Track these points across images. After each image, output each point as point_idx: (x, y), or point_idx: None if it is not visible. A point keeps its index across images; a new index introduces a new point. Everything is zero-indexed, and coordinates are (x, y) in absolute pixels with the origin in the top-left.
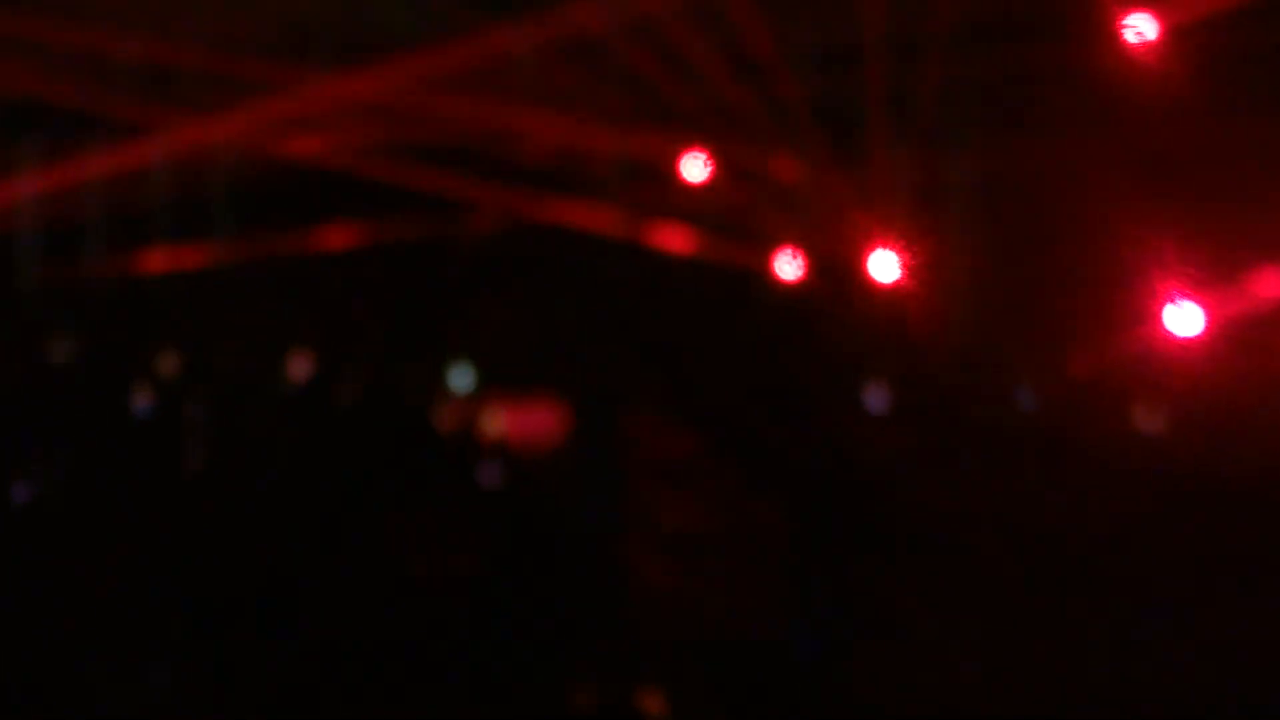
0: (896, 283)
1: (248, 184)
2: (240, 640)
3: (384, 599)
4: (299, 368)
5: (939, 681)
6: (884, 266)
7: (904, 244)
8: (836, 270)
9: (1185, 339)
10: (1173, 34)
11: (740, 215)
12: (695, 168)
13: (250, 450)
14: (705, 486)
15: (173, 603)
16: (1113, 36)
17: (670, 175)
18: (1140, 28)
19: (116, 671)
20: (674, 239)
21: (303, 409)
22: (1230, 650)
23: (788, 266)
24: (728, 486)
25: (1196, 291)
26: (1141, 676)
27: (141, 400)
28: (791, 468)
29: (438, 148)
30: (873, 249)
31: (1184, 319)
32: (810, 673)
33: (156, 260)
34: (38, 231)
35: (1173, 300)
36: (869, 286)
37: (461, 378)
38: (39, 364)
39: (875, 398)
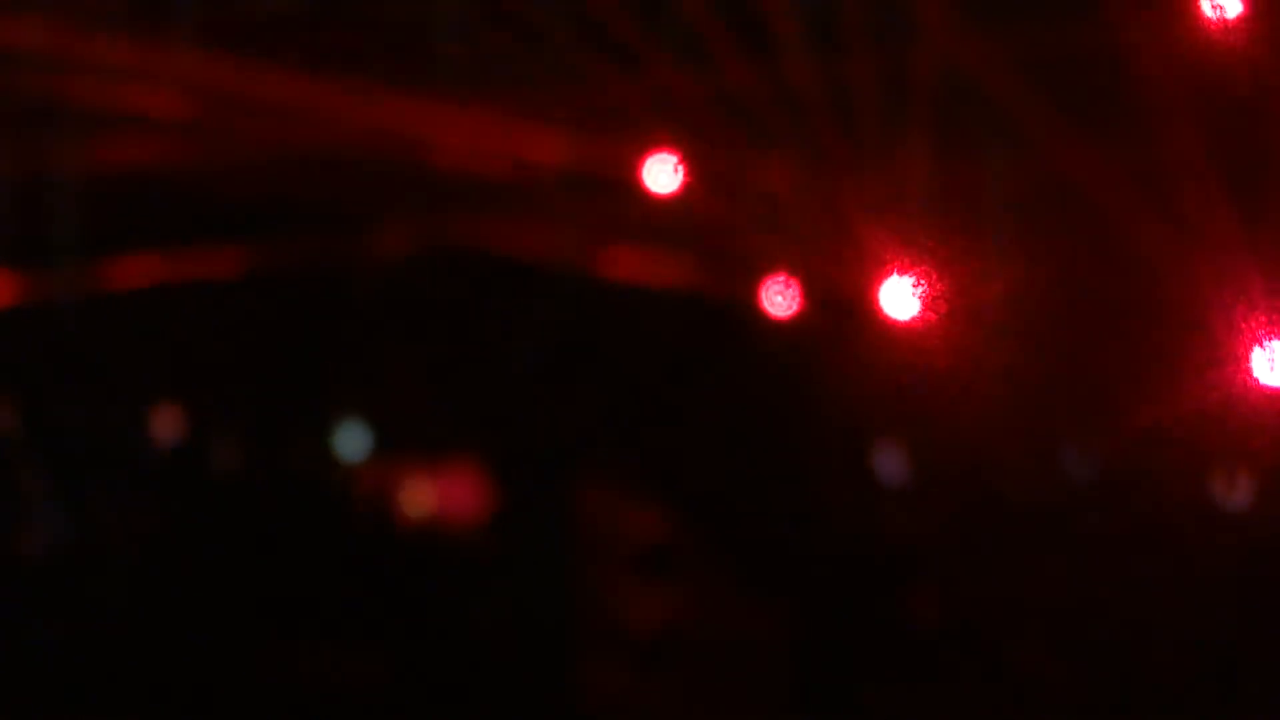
0: (914, 319)
1: (95, 198)
2: None
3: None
4: (164, 425)
5: None
6: (899, 298)
7: (924, 270)
8: (839, 303)
9: (1275, 390)
10: (1264, 9)
11: (720, 234)
12: (663, 175)
13: (101, 529)
14: (679, 577)
15: None
16: (1188, 11)
17: (631, 185)
18: (1218, 7)
19: None
20: (636, 265)
21: (168, 478)
22: None
23: (779, 299)
24: (707, 578)
25: None
26: None
27: None
28: (786, 555)
29: (333, 153)
30: (885, 277)
31: (1273, 364)
32: None
33: None
34: None
35: (1260, 342)
36: (880, 323)
37: (355, 439)
38: None
39: (889, 466)
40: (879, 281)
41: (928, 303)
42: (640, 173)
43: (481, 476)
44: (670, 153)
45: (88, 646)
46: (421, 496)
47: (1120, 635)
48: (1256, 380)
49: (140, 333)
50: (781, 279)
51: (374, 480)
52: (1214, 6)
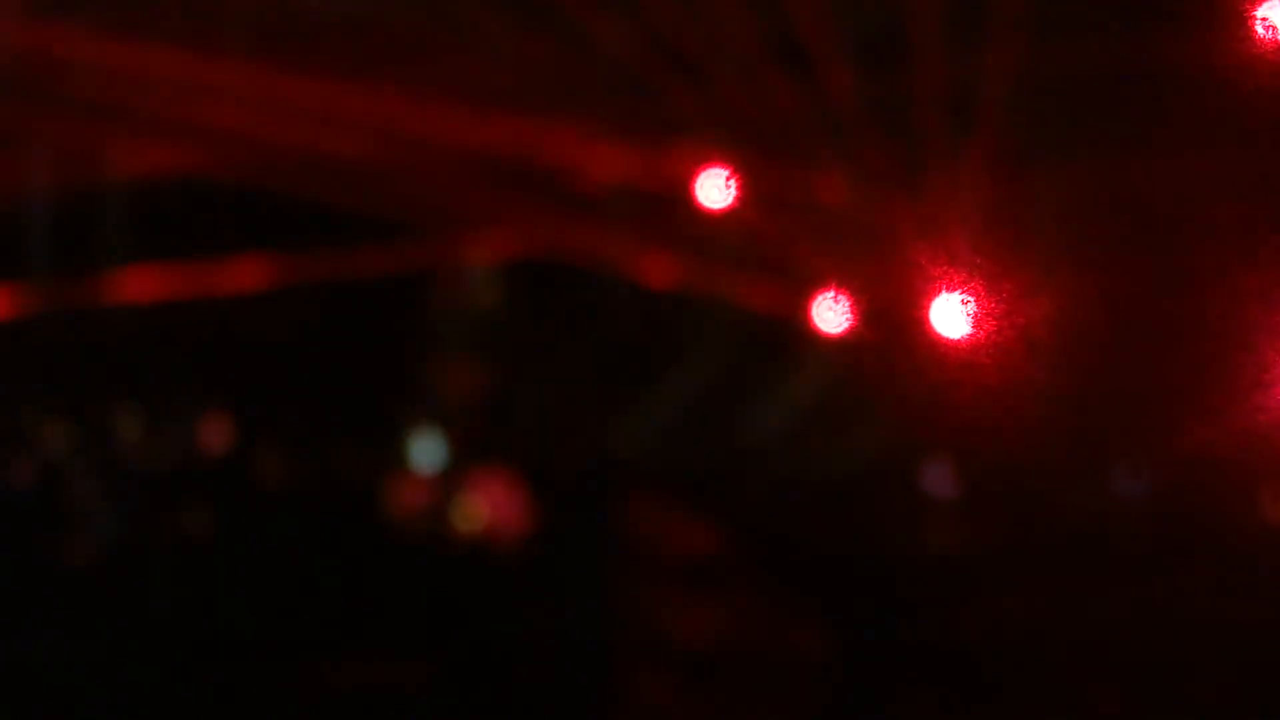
0: (964, 336)
1: (152, 204)
2: None
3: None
4: (214, 434)
5: None
6: (949, 315)
7: (974, 287)
8: (889, 319)
9: None
10: None
11: (771, 249)
12: (715, 190)
13: (149, 536)
14: (725, 591)
15: None
16: (1240, 27)
17: (684, 199)
18: (1276, 17)
19: None
20: (687, 279)
21: (217, 486)
22: None
23: (830, 314)
24: (753, 592)
25: None
26: None
27: (14, 475)
28: (834, 571)
29: (395, 162)
30: (935, 293)
31: None
32: None
33: (23, 297)
34: None
35: None
36: (930, 340)
37: (426, 451)
38: None
39: (938, 483)
40: (929, 298)
41: (977, 319)
42: (693, 187)
43: (531, 489)
44: (723, 167)
45: (134, 652)
46: (472, 508)
47: (1170, 655)
48: None
49: (196, 341)
50: (832, 294)
51: (426, 491)
52: (1265, 25)
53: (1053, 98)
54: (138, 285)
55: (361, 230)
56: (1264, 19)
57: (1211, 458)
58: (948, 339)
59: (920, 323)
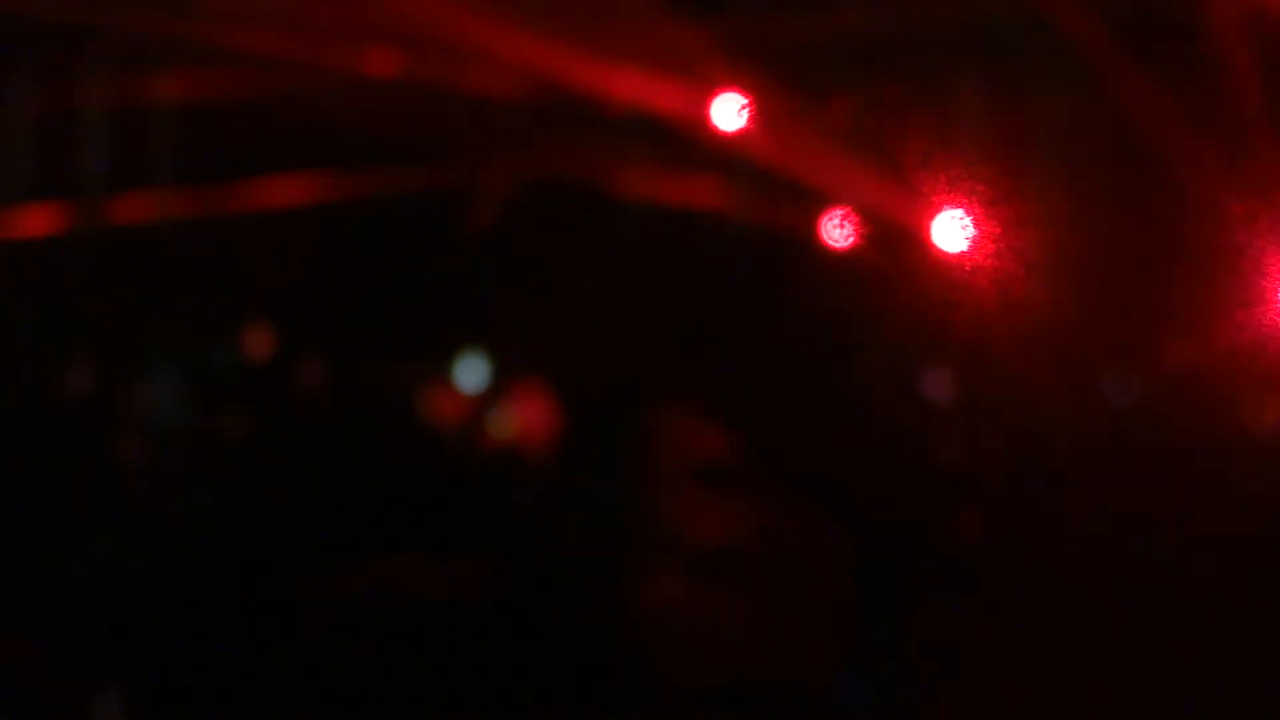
0: (963, 253)
1: (198, 130)
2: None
3: (361, 613)
4: (257, 344)
5: None
6: (949, 234)
7: (976, 206)
8: (894, 237)
9: None
10: None
11: (782, 171)
12: (730, 115)
13: (196, 440)
14: (739, 493)
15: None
16: None
17: (700, 124)
18: None
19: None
20: (704, 199)
21: (260, 391)
22: None
23: (837, 232)
24: (765, 494)
25: None
26: None
27: (70, 380)
28: (842, 474)
29: (432, 90)
30: (938, 211)
31: None
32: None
33: (87, 214)
34: None
35: None
36: (932, 258)
37: (470, 369)
38: None
39: (939, 393)
40: (931, 218)
41: (976, 240)
42: (708, 112)
43: (562, 402)
44: (737, 93)
45: (183, 547)
46: (507, 420)
47: (1156, 557)
48: None
49: (243, 256)
50: (840, 213)
51: (466, 405)
52: None
53: (1049, 37)
54: (187, 203)
55: (403, 153)
56: None
57: (1197, 372)
58: (948, 257)
59: (922, 242)
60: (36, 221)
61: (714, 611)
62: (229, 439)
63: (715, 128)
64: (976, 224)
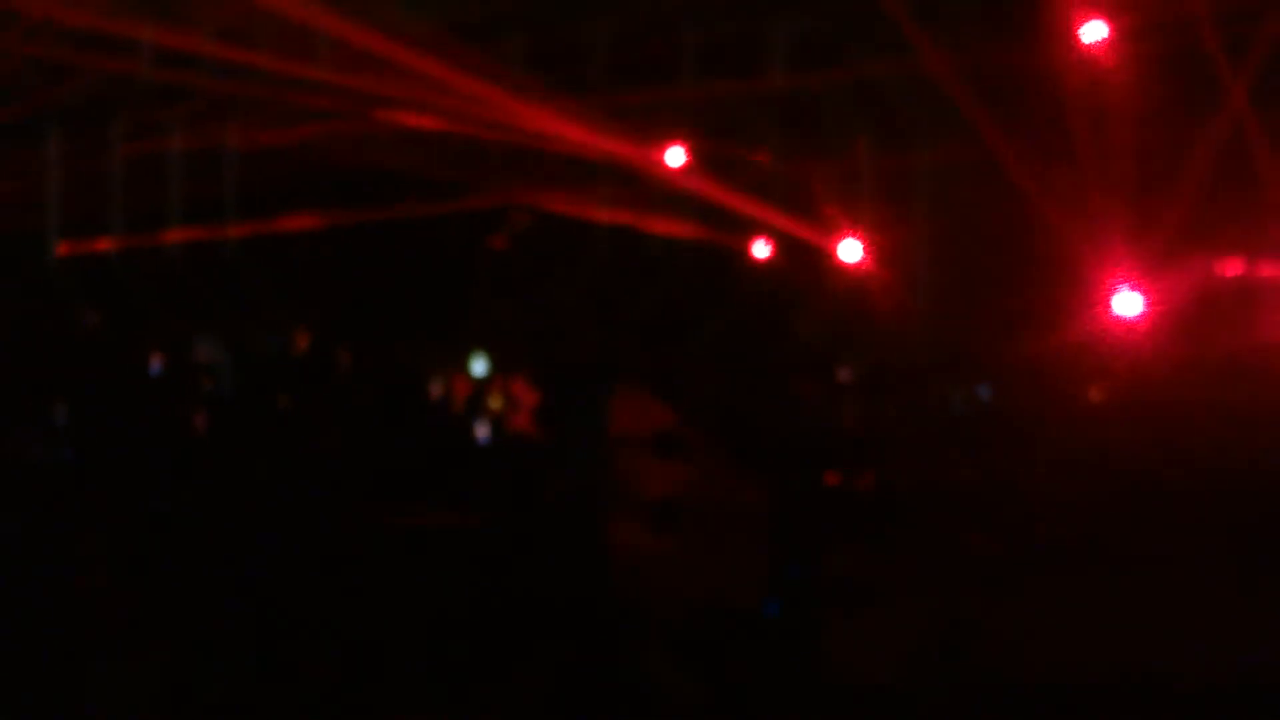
0: (860, 266)
1: (266, 171)
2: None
3: (385, 547)
4: (303, 340)
5: (896, 641)
6: (850, 250)
7: (868, 229)
8: (806, 253)
9: (1129, 322)
10: (1123, 39)
11: (717, 202)
12: (677, 160)
13: (257, 410)
14: (683, 457)
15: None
16: (1068, 41)
17: (655, 167)
18: (1093, 33)
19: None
20: (658, 225)
21: (302, 375)
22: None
23: (761, 249)
24: (704, 458)
25: (1140, 279)
26: (1083, 639)
27: (156, 362)
28: (765, 441)
29: (458, 142)
30: (839, 234)
31: (1128, 304)
32: (779, 635)
33: (179, 238)
34: (63, 217)
35: (1119, 289)
36: (836, 269)
37: (478, 361)
38: (67, 331)
39: (847, 375)
40: (834, 238)
41: (870, 254)
42: (662, 157)
43: (545, 386)
44: (683, 144)
45: (242, 496)
46: (501, 399)
47: (1011, 506)
48: (1118, 317)
49: (295, 271)
50: (764, 236)
51: (472, 387)
52: (1089, 38)
53: (926, 96)
54: (256, 228)
55: (423, 190)
56: (1086, 33)
57: (1041, 358)
58: (847, 268)
59: (828, 257)
60: (137, 242)
61: (664, 549)
62: (279, 412)
63: (667, 169)
64: (868, 243)
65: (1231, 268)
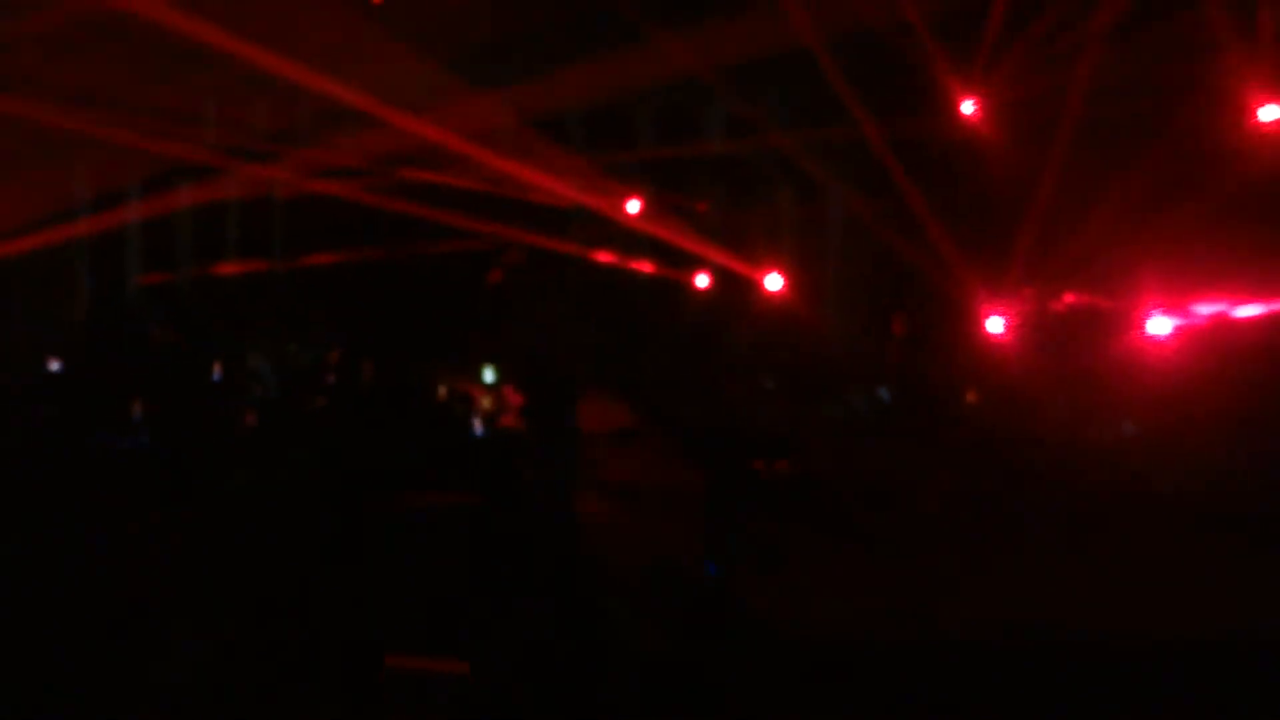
0: (782, 293)
1: (306, 213)
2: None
3: (402, 522)
4: (336, 355)
5: (808, 596)
6: (773, 281)
7: (788, 266)
8: (739, 283)
9: (998, 339)
10: (994, 111)
11: (667, 242)
12: (634, 207)
13: (296, 410)
14: (639, 447)
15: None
16: (951, 113)
17: (617, 213)
18: (970, 107)
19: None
20: (618, 261)
21: (335, 384)
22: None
23: (703, 280)
24: (656, 448)
25: (1005, 303)
26: (957, 595)
27: (217, 372)
28: (704, 434)
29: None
30: (765, 268)
31: (995, 324)
32: (715, 589)
33: (234, 270)
34: (141, 249)
35: (986, 313)
36: (762, 295)
37: (489, 375)
38: (142, 343)
39: (770, 380)
40: (761, 272)
41: (790, 284)
42: (623, 206)
43: (528, 392)
44: (638, 195)
45: (282, 481)
46: (494, 402)
47: (905, 489)
48: (987, 332)
49: (329, 298)
50: (704, 270)
51: (479, 392)
52: (967, 110)
53: (836, 159)
54: (297, 263)
55: (433, 232)
56: (965, 106)
57: (930, 370)
58: (773, 294)
59: (756, 286)
60: (201, 273)
61: (622, 521)
62: (314, 412)
63: (627, 216)
64: (788, 276)
65: (1074, 297)
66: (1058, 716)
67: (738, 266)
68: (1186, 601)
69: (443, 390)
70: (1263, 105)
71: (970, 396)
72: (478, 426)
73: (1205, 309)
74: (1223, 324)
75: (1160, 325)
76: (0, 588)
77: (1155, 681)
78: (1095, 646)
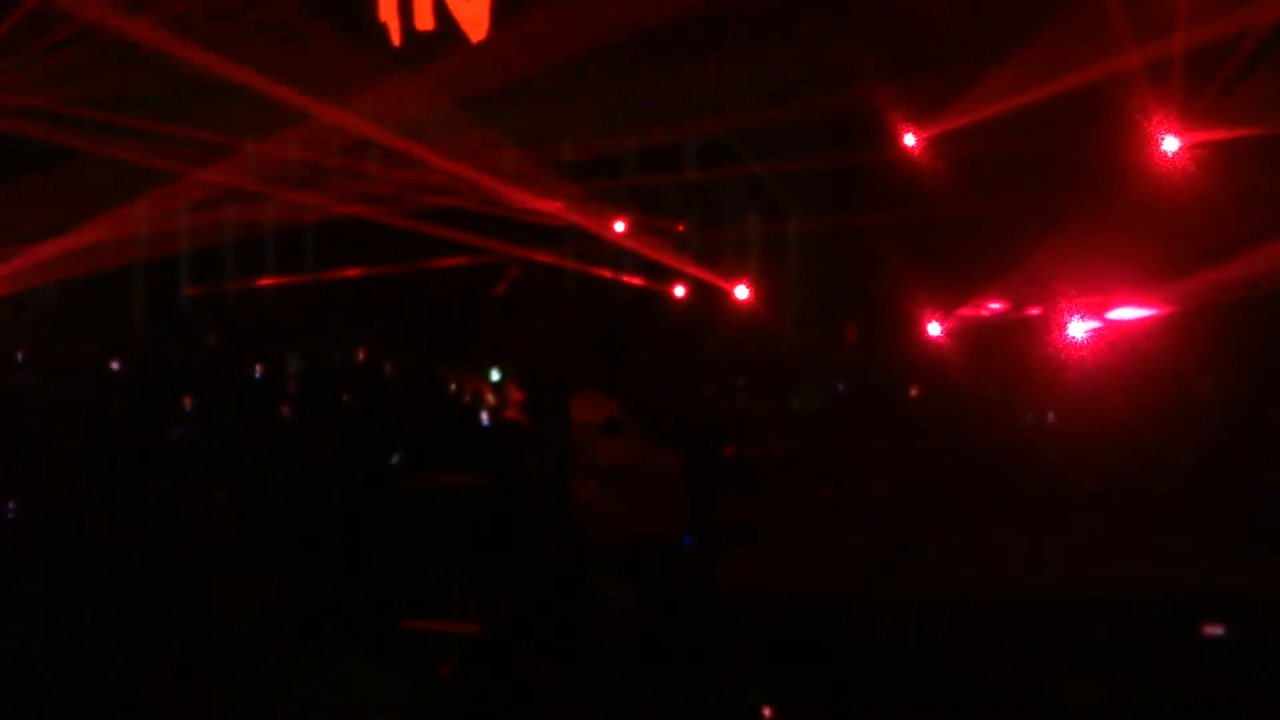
0: (750, 302)
1: (339, 236)
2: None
3: (419, 501)
4: (362, 356)
5: (778, 566)
6: (742, 292)
7: (753, 278)
8: (711, 293)
9: (935, 342)
10: (937, 141)
11: (648, 257)
12: (618, 226)
13: (327, 405)
14: (626, 436)
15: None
16: (897, 144)
17: (605, 232)
18: (912, 139)
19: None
20: (606, 273)
21: (361, 382)
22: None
23: (681, 291)
24: (639, 436)
25: (944, 310)
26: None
27: (258, 371)
28: (681, 426)
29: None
30: (733, 281)
31: (938, 329)
32: (693, 561)
33: (273, 283)
34: (190, 265)
35: (929, 319)
36: (732, 304)
37: (495, 374)
38: (195, 348)
39: (737, 382)
40: (733, 284)
41: (757, 294)
42: (609, 225)
43: (528, 388)
44: (621, 216)
45: (313, 465)
46: (499, 397)
47: (859, 471)
48: (928, 336)
49: (358, 307)
50: (683, 281)
51: (487, 389)
52: (910, 141)
53: (798, 182)
54: (328, 276)
55: (446, 249)
56: (908, 137)
57: (885, 367)
58: (742, 303)
59: (726, 296)
60: (244, 285)
61: (612, 502)
62: (343, 406)
63: (614, 235)
64: (755, 287)
65: (1001, 304)
66: (1017, 654)
67: (711, 279)
68: (1094, 561)
69: (454, 387)
70: (1160, 128)
71: (914, 391)
72: (484, 418)
73: (1113, 314)
74: (1126, 327)
75: (1076, 328)
76: (94, 546)
77: (1080, 628)
78: (1039, 602)
